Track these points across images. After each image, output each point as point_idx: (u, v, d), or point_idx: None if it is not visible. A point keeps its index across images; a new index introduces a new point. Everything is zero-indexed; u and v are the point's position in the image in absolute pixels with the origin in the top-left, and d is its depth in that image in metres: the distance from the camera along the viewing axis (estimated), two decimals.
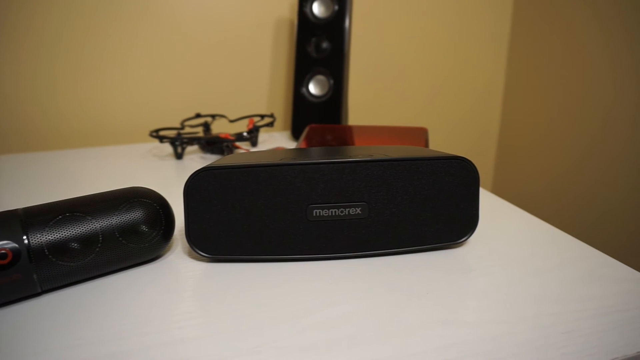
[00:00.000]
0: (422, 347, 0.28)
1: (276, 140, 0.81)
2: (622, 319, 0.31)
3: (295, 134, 0.80)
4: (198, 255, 0.39)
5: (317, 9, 0.77)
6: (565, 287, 0.35)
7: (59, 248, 0.33)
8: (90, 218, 0.34)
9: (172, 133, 0.85)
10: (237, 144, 0.75)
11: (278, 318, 0.31)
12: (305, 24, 0.77)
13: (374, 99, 0.99)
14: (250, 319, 0.31)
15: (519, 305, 0.32)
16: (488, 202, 0.51)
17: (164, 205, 0.38)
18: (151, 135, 0.68)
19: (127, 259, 0.36)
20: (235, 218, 0.37)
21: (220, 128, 0.89)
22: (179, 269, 0.38)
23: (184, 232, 0.44)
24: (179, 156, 0.70)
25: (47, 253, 0.32)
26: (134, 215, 0.36)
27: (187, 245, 0.42)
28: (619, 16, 0.78)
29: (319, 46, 0.77)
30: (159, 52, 0.82)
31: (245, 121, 0.90)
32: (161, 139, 0.67)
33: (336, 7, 0.75)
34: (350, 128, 0.67)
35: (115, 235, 0.35)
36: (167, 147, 0.77)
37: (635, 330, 0.30)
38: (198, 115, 0.79)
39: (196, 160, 0.69)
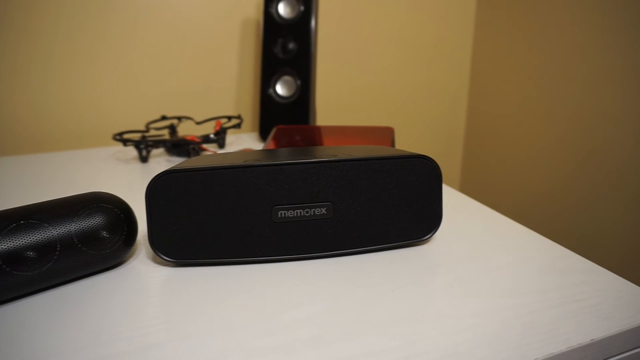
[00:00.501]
0: (387, 344, 0.29)
1: (244, 142, 0.80)
2: (578, 309, 0.32)
3: (263, 135, 0.79)
4: (162, 260, 0.38)
5: (282, 9, 0.77)
6: (525, 280, 0.36)
7: (13, 257, 0.31)
8: (47, 225, 0.33)
9: (136, 136, 0.83)
10: (204, 146, 0.74)
11: (244, 321, 0.31)
12: (271, 25, 0.77)
13: (342, 99, 0.99)
14: (216, 323, 0.31)
15: (482, 299, 0.33)
16: (453, 200, 0.53)
17: (126, 209, 0.37)
18: (114, 138, 0.66)
19: (88, 266, 0.35)
20: (199, 221, 0.36)
21: (186, 130, 0.87)
22: (143, 274, 0.37)
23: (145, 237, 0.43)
24: (143, 159, 0.69)
25: (0, 263, 0.31)
26: (94, 221, 0.35)
27: (151, 250, 0.41)
28: (584, 14, 0.81)
29: (286, 47, 0.77)
30: (122, 54, 0.80)
31: (213, 123, 0.89)
32: (125, 142, 0.66)
33: (302, 8, 0.75)
34: (317, 128, 0.68)
35: (74, 242, 0.34)
36: (132, 151, 0.75)
37: (590, 318, 0.31)
38: (163, 118, 0.78)
39: (162, 163, 0.68)
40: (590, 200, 0.82)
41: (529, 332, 0.30)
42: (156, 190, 0.35)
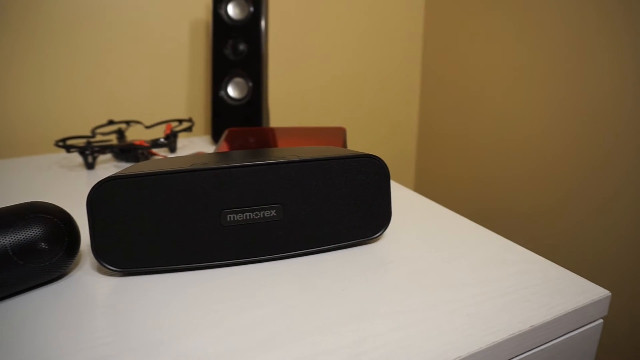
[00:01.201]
0: (337, 344, 0.29)
1: (196, 145, 0.79)
2: (517, 298, 0.34)
3: (216, 138, 0.78)
4: (108, 270, 0.37)
5: (232, 10, 0.76)
6: (469, 273, 0.37)
7: None
8: None
9: (81, 142, 0.80)
10: (154, 150, 0.73)
11: (194, 328, 0.31)
12: (221, 26, 0.76)
13: (295, 100, 0.99)
14: (165, 332, 0.30)
15: (429, 294, 0.34)
16: (404, 197, 0.54)
17: (66, 219, 0.36)
18: (57, 145, 0.63)
19: (26, 280, 0.34)
20: (145, 228, 0.35)
21: (136, 135, 0.85)
22: (88, 286, 0.36)
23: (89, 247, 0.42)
24: (89, 166, 0.66)
25: None
26: (31, 232, 0.33)
27: (96, 260, 0.39)
28: (531, 10, 0.85)
29: (236, 48, 0.76)
30: (66, 56, 0.77)
31: (163, 127, 0.87)
32: (68, 148, 0.63)
33: (251, 9, 0.75)
34: (269, 130, 0.67)
35: (9, 254, 0.32)
36: (77, 158, 0.72)
37: (528, 307, 0.33)
38: (110, 122, 0.75)
39: (109, 169, 0.66)
40: (534, 193, 0.87)
41: (472, 323, 0.31)
42: (98, 197, 0.34)
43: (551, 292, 0.34)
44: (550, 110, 0.81)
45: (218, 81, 0.77)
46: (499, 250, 0.41)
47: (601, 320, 0.35)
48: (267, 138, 0.64)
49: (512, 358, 0.31)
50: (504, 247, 0.41)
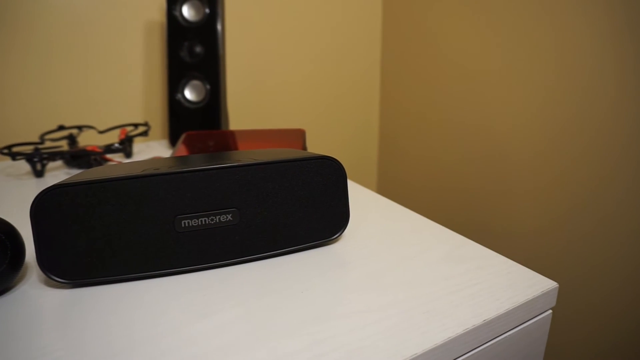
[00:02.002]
0: (295, 347, 0.29)
1: (153, 150, 0.77)
2: (473, 293, 0.34)
3: (174, 142, 0.76)
4: (55, 282, 0.35)
5: (187, 11, 0.74)
6: (426, 270, 0.38)
7: None
8: None
9: (28, 149, 0.76)
10: (108, 156, 0.70)
11: (149, 337, 0.30)
12: (176, 28, 0.74)
13: (255, 102, 0.98)
14: (118, 344, 0.29)
15: (387, 293, 0.34)
16: (364, 198, 0.54)
17: (9, 231, 0.34)
18: (1, 152, 0.60)
19: None
20: (94, 237, 0.34)
21: (88, 141, 0.82)
22: (34, 299, 0.34)
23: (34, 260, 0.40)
24: (38, 174, 0.63)
25: None
26: None
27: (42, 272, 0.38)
28: (489, 11, 0.88)
29: (192, 50, 0.75)
30: (11, 59, 0.73)
31: (118, 132, 0.84)
32: (14, 155, 0.60)
33: (207, 10, 0.74)
34: (227, 133, 0.67)
35: None
36: (25, 165, 0.69)
37: (483, 301, 0.33)
38: (61, 128, 0.72)
39: (60, 177, 0.63)
40: (500, 194, 0.89)
41: (428, 320, 0.31)
42: (43, 207, 0.33)
43: (503, 286, 0.35)
44: (513, 110, 0.84)
45: (174, 84, 0.76)
46: (456, 247, 0.42)
47: (550, 311, 0.36)
48: (226, 141, 0.63)
49: (468, 352, 0.32)
50: (460, 243, 0.42)
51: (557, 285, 0.36)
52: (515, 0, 0.78)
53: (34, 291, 0.35)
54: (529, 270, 0.38)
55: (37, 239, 0.33)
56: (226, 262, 0.37)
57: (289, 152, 0.41)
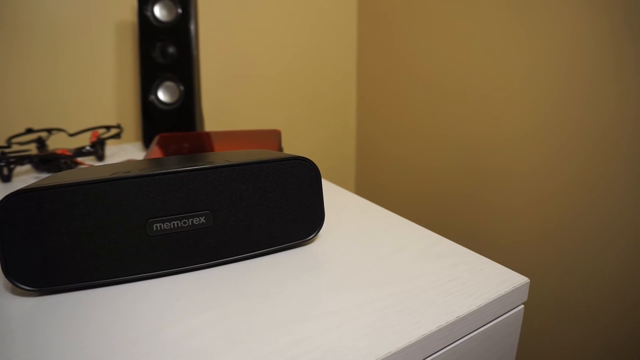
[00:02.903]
0: (270, 348, 0.29)
1: (127, 153, 0.75)
2: (446, 290, 0.35)
3: (147, 144, 0.75)
4: (22, 290, 0.34)
5: (159, 12, 0.73)
6: (402, 269, 0.38)
7: None
8: None
9: None
10: (79, 159, 0.69)
11: (121, 344, 0.29)
12: (148, 28, 0.73)
13: (231, 103, 0.98)
14: (91, 350, 0.28)
15: (362, 292, 0.35)
16: (339, 198, 0.54)
17: None
18: None
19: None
20: (63, 243, 0.33)
21: (59, 144, 0.80)
22: (0, 309, 0.33)
23: None
24: (5, 178, 0.61)
25: None
26: None
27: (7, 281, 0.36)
28: (465, 8, 0.89)
29: (165, 51, 0.74)
30: None
31: (89, 134, 0.83)
32: None
33: (180, 10, 0.73)
34: (202, 134, 0.66)
35: None
36: None
37: (456, 297, 0.34)
38: (29, 131, 0.70)
39: (28, 181, 0.61)
40: (476, 195, 0.91)
41: (402, 318, 0.32)
42: (7, 213, 0.32)
43: (476, 282, 0.36)
44: (489, 112, 0.85)
45: (147, 85, 0.74)
46: (430, 245, 0.42)
47: (522, 306, 0.37)
48: (201, 142, 0.62)
49: (443, 348, 0.32)
50: (435, 241, 0.43)
51: (528, 280, 0.36)
52: (496, 1, 0.80)
53: (0, 300, 0.34)
54: (502, 266, 0.38)
55: (1, 246, 0.32)
56: (200, 265, 0.37)
57: (263, 153, 0.41)
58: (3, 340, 0.30)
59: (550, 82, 0.72)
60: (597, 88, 0.66)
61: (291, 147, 1.09)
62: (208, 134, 0.66)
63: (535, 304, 0.81)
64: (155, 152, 0.59)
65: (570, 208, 0.73)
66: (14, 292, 0.35)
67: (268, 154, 0.41)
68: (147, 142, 0.75)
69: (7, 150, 0.72)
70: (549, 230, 0.76)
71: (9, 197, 0.32)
